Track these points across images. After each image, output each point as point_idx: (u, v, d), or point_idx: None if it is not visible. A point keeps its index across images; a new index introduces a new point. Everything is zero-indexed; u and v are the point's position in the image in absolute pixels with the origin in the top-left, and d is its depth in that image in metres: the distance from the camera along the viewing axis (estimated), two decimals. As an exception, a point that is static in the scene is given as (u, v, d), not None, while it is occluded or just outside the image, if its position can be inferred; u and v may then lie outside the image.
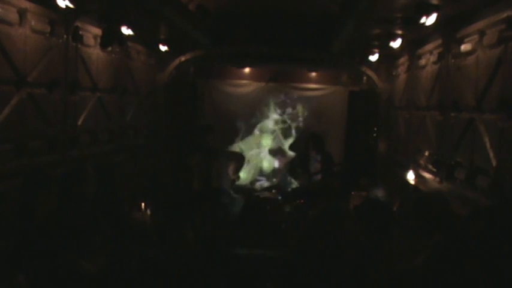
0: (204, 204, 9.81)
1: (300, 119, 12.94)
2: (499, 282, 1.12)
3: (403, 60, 10.17)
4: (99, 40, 7.59)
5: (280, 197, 11.46)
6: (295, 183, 11.34)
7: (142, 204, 7.29)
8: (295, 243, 2.69)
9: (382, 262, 3.30)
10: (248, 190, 12.20)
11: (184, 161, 10.43)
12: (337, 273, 2.44)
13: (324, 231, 2.51)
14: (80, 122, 7.65)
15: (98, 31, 7.67)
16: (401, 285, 2.38)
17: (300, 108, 12.92)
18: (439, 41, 7.57)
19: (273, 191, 12.18)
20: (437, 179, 7.32)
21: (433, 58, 8.04)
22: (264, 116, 12.95)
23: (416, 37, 8.22)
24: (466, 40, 6.64)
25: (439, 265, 1.27)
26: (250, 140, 12.97)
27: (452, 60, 7.05)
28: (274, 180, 13.00)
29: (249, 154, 12.80)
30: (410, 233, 4.39)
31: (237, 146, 12.79)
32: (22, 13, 5.93)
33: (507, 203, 1.82)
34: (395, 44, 8.08)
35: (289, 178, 12.05)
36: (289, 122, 13.01)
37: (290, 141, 13.06)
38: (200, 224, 9.19)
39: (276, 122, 13.06)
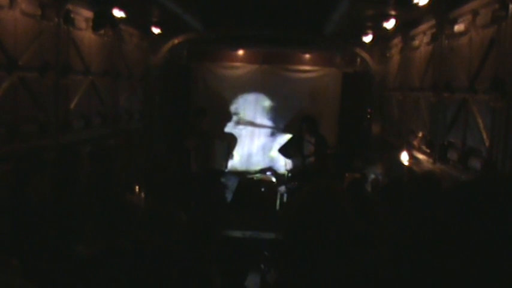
0: (204, 185, 9.82)
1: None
2: (478, 258, 1.10)
3: (396, 41, 10.14)
4: (90, 23, 7.53)
5: (274, 179, 11.51)
6: (289, 166, 11.35)
7: (136, 187, 7.29)
8: (288, 220, 2.68)
9: (371, 243, 3.31)
10: (242, 172, 12.22)
11: (181, 144, 10.42)
12: (328, 250, 2.45)
13: (316, 206, 2.51)
14: (72, 106, 7.62)
15: (89, 14, 7.59)
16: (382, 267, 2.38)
17: None
18: (432, 22, 7.55)
19: (267, 173, 12.22)
20: (431, 159, 7.34)
21: (426, 39, 8.02)
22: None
23: (410, 18, 8.19)
24: (459, 20, 6.62)
25: (415, 241, 1.24)
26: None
27: (446, 41, 7.03)
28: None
29: (242, 135, 12.78)
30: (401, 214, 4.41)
31: (230, 128, 12.76)
32: (12, -4, 5.87)
33: (492, 177, 1.80)
34: (389, 24, 8.05)
35: (283, 160, 12.05)
36: None
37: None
38: (194, 206, 9.21)
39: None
